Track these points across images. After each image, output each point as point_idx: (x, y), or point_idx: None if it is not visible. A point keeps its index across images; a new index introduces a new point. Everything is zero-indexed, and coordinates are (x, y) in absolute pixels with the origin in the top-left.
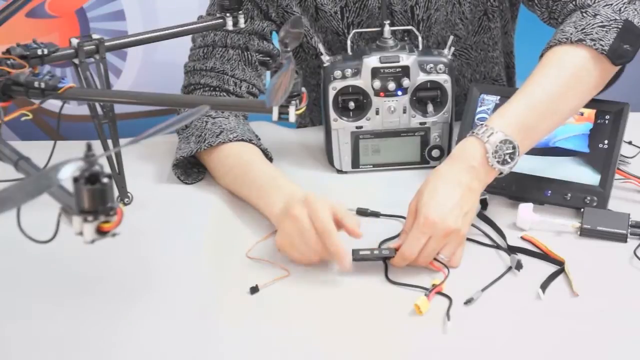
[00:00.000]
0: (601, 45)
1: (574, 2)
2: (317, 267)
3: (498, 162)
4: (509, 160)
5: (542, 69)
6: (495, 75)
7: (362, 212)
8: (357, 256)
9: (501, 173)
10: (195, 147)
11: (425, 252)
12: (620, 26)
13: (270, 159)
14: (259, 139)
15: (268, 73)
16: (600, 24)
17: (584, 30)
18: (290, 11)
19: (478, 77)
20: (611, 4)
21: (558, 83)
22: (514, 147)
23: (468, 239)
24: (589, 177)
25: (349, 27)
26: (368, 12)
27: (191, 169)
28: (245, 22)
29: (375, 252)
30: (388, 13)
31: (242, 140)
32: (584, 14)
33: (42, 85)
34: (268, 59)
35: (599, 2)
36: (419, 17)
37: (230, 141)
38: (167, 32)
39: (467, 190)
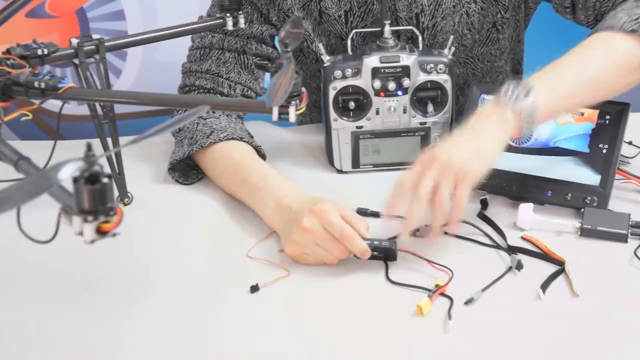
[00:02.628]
0: None
1: None
2: (318, 267)
3: (510, 98)
4: (522, 96)
5: (590, 43)
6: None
7: (362, 212)
8: None
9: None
10: (187, 150)
11: (423, 179)
12: None
13: (263, 157)
14: (252, 137)
15: (267, 75)
16: None
17: (638, 20)
18: (291, 15)
19: None
20: None
21: (600, 56)
22: (527, 87)
23: (468, 239)
24: (589, 177)
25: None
26: (373, 16)
27: (190, 170)
28: (245, 25)
29: (375, 242)
30: (393, 19)
31: (233, 138)
32: (638, 2)
33: (42, 85)
34: (266, 62)
35: None
36: (424, 25)
37: (221, 140)
38: (167, 32)
39: (479, 132)
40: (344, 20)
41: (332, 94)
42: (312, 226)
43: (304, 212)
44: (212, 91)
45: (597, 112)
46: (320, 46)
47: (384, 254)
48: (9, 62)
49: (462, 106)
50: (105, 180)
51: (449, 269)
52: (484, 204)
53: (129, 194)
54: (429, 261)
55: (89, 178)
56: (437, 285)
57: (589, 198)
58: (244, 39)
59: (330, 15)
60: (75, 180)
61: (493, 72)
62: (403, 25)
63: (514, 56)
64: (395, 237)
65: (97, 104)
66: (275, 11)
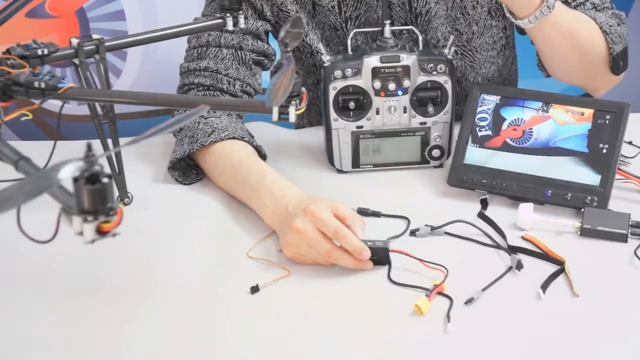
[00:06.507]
0: (612, 50)
1: (591, 2)
2: (318, 267)
3: None
4: None
5: (582, 15)
6: (491, 76)
7: (362, 212)
8: None
9: None
10: (188, 148)
11: None
12: (625, 45)
13: (264, 157)
14: (252, 137)
15: (265, 73)
16: (619, 34)
17: (612, 26)
18: (285, 9)
19: (480, 79)
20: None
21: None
22: None
23: (468, 239)
24: (589, 177)
25: (347, 22)
26: (366, 5)
27: (190, 170)
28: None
29: (369, 243)
30: (386, 5)
31: (234, 138)
32: (612, 16)
33: (42, 85)
34: (263, 58)
35: (610, 15)
36: (417, 10)
37: (222, 140)
38: (167, 32)
39: None
40: (337, 11)
41: (332, 93)
42: (304, 227)
43: (297, 212)
44: (211, 88)
45: (594, 111)
46: (321, 46)
47: (376, 255)
48: (9, 62)
49: (459, 97)
50: (105, 180)
51: (443, 266)
52: (484, 204)
53: (129, 194)
54: (421, 260)
55: (89, 178)
56: (434, 285)
57: (589, 198)
58: (240, 35)
59: (323, 6)
60: (76, 180)
61: (487, 62)
62: (396, 11)
63: (512, 43)
64: (396, 237)
65: (97, 104)
66: (269, 6)
